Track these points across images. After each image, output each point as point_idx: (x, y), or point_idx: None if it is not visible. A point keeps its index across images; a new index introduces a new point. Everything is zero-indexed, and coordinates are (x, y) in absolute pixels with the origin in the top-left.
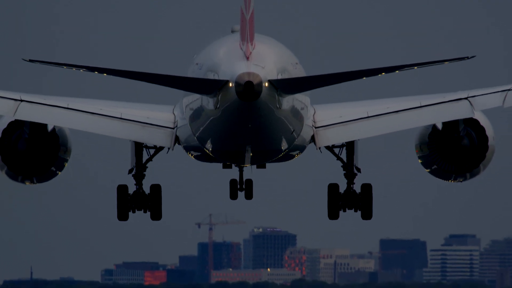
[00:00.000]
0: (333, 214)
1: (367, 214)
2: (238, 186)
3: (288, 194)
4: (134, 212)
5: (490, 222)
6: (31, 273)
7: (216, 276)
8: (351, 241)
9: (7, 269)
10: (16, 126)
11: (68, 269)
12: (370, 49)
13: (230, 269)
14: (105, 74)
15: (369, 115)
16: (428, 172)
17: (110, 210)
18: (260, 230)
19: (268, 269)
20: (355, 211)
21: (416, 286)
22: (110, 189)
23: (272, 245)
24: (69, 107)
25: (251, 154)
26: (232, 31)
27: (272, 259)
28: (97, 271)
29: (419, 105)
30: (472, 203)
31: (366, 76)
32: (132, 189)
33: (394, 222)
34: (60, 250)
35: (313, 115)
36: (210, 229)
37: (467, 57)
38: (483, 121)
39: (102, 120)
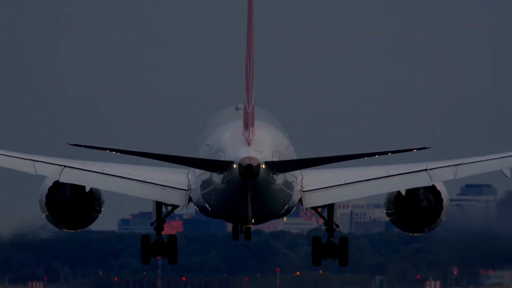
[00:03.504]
0: (316, 262)
1: (343, 262)
2: (239, 229)
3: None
4: (154, 257)
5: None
6: None
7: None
8: None
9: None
10: (60, 184)
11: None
12: (370, 49)
13: None
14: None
15: (346, 182)
16: (390, 220)
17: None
18: None
19: (285, 219)
20: (334, 259)
21: (431, 235)
22: None
23: None
24: (103, 172)
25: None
26: (236, 109)
27: None
28: (114, 221)
29: (387, 175)
30: (489, 154)
31: (345, 160)
32: (153, 238)
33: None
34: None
35: (301, 180)
36: None
37: (425, 147)
38: (439, 185)
39: (130, 183)
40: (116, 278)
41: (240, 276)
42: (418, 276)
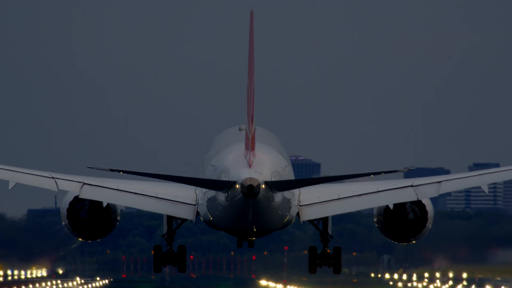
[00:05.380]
0: (312, 269)
1: (337, 270)
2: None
3: None
4: (166, 266)
5: None
6: (55, 202)
7: None
8: (375, 169)
9: (31, 198)
10: (80, 199)
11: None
12: (368, 49)
13: None
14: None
15: (340, 197)
16: (379, 230)
17: (134, 145)
18: None
19: None
20: (328, 267)
21: (440, 214)
22: None
23: (296, 174)
24: (119, 188)
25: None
26: (240, 129)
27: None
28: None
29: (377, 190)
30: (496, 132)
31: (336, 180)
32: (164, 248)
33: (418, 150)
34: (78, 168)
35: (298, 195)
36: None
37: (408, 169)
38: (424, 199)
39: (143, 199)
40: (124, 257)
41: (248, 254)
42: (426, 255)
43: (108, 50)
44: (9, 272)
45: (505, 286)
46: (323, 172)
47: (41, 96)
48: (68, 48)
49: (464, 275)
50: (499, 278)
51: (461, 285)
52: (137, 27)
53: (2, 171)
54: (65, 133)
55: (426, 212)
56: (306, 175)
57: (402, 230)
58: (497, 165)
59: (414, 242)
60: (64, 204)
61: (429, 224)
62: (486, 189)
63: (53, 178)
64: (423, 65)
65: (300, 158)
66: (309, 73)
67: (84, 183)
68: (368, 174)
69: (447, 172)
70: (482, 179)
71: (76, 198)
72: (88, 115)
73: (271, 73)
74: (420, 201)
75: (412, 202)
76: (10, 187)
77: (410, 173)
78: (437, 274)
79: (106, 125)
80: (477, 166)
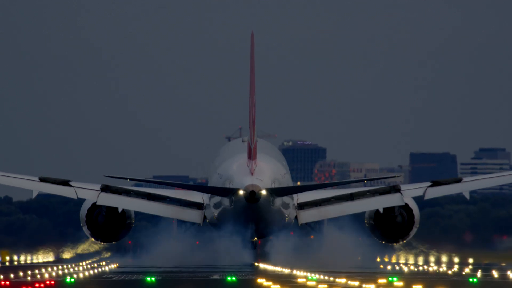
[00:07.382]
0: None
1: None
2: None
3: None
4: None
5: None
6: None
7: None
8: (381, 155)
9: None
10: (97, 206)
11: (100, 181)
12: (367, 48)
13: None
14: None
15: (334, 202)
16: (370, 231)
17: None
18: (290, 143)
19: (298, 183)
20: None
21: (446, 198)
22: None
23: (302, 158)
24: (132, 195)
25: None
26: (243, 141)
27: (302, 172)
28: (128, 185)
29: (368, 195)
30: (502, 117)
31: (330, 186)
32: None
33: (425, 135)
34: (92, 162)
35: (296, 200)
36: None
37: (396, 176)
38: (411, 204)
39: (155, 204)
40: (129, 242)
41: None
42: (432, 240)
43: (117, 46)
44: (15, 257)
45: (511, 271)
46: (329, 157)
47: (51, 95)
48: (77, 46)
49: (470, 260)
50: (504, 264)
51: (468, 268)
52: (137, 28)
53: (25, 181)
54: (75, 132)
55: (413, 216)
56: (312, 159)
57: (392, 232)
58: (503, 150)
59: (401, 243)
60: (83, 210)
61: (416, 226)
62: (467, 195)
63: (72, 187)
64: (424, 59)
65: (306, 143)
66: (313, 68)
67: (101, 191)
68: (356, 181)
69: (453, 157)
70: (465, 186)
71: (94, 204)
72: (98, 115)
73: (279, 65)
74: (408, 206)
75: (400, 206)
76: (33, 196)
77: (411, 173)
78: (443, 259)
79: (116, 124)
80: (483, 151)
